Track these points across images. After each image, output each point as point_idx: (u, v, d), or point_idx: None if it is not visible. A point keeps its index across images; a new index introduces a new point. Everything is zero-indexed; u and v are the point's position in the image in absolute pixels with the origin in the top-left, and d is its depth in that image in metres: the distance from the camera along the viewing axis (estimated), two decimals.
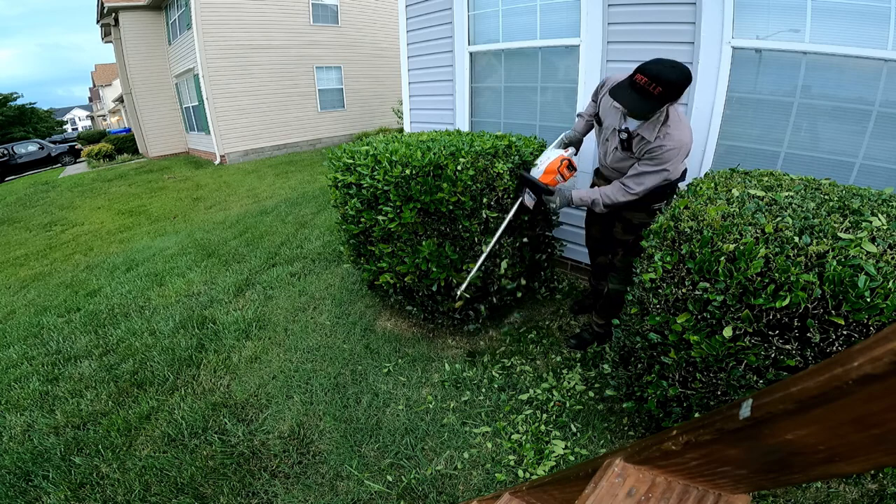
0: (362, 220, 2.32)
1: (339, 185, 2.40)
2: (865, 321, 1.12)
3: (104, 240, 5.97)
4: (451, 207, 2.09)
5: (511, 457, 1.86)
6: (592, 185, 2.35)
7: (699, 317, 1.38)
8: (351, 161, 2.31)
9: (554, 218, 2.82)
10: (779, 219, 1.33)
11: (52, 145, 17.94)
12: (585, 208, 2.37)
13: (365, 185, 2.22)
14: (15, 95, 27.49)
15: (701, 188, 1.65)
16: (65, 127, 43.90)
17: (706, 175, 1.91)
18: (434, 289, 2.31)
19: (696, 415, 1.52)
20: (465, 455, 1.88)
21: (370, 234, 2.35)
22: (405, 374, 2.36)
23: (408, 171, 2.05)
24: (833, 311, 1.15)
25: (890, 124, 2.00)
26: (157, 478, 1.85)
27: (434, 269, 2.22)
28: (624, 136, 1.91)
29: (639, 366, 1.68)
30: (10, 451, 2.05)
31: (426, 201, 2.05)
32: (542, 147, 2.56)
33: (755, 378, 1.34)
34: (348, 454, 1.90)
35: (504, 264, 2.37)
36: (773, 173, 1.84)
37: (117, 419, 2.17)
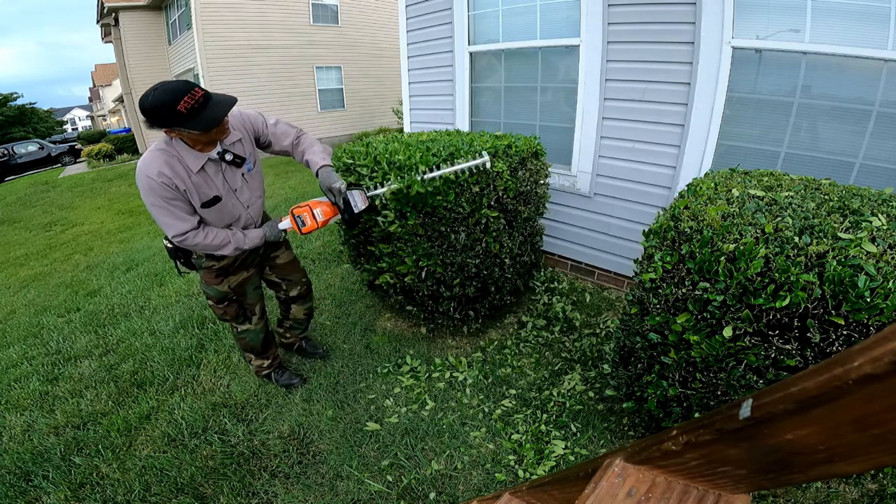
0: (361, 219, 2.32)
1: None
2: (865, 321, 1.12)
3: (104, 240, 5.98)
4: (448, 207, 2.09)
5: (511, 457, 1.86)
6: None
7: (699, 317, 1.38)
8: (351, 161, 2.30)
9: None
10: (779, 219, 1.33)
11: (52, 145, 17.97)
12: None
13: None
14: (15, 95, 27.48)
15: (701, 188, 1.65)
16: (65, 127, 43.89)
17: (706, 175, 1.92)
18: (434, 288, 2.31)
19: (696, 415, 1.52)
20: (465, 455, 1.88)
21: (370, 235, 2.35)
22: (405, 375, 2.36)
23: None
24: (833, 311, 1.15)
25: (890, 124, 2.00)
26: (157, 478, 1.84)
27: (437, 269, 2.21)
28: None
29: (639, 366, 1.68)
30: (10, 451, 2.05)
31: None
32: (540, 147, 2.57)
33: (755, 378, 1.34)
34: (348, 454, 1.90)
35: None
36: (773, 173, 1.84)
37: (117, 419, 2.16)
